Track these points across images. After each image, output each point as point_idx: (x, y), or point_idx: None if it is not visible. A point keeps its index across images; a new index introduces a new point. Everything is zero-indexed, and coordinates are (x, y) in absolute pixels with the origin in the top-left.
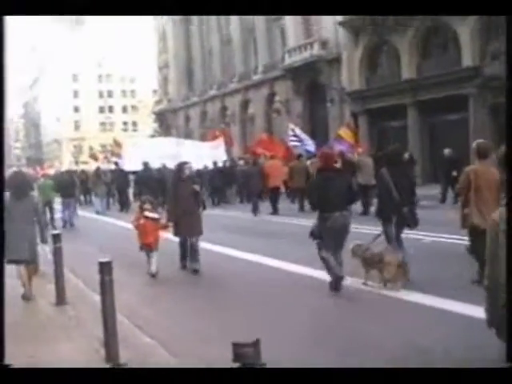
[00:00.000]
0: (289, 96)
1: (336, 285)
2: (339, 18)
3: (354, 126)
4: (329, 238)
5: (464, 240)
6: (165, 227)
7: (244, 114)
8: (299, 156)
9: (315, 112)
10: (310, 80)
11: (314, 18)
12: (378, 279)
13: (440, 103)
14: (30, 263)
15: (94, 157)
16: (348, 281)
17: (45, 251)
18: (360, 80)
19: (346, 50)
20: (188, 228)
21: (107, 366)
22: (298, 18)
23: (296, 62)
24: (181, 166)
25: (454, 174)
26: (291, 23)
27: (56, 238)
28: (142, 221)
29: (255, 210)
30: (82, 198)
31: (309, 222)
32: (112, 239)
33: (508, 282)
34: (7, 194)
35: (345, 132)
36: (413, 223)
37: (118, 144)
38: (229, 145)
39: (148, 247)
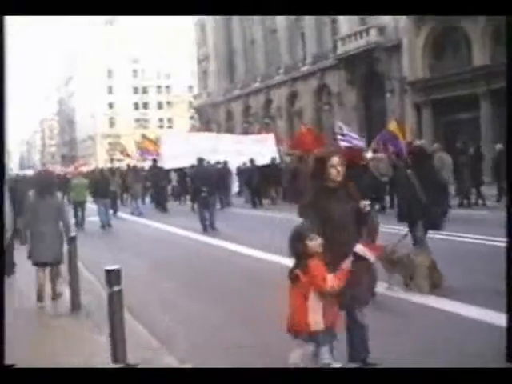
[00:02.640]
0: (341, 87)
1: None
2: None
3: (397, 120)
4: None
5: None
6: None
7: (291, 108)
8: (350, 148)
9: (371, 104)
10: (365, 69)
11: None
12: (403, 282)
13: None
14: (54, 265)
15: (125, 153)
16: None
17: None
18: (423, 68)
19: (407, 36)
20: None
21: (107, 366)
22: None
23: (350, 50)
24: None
25: None
26: None
27: (71, 240)
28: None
29: None
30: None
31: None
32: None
33: (508, 283)
34: (31, 193)
35: (394, 127)
36: (439, 225)
37: (150, 141)
38: (280, 143)
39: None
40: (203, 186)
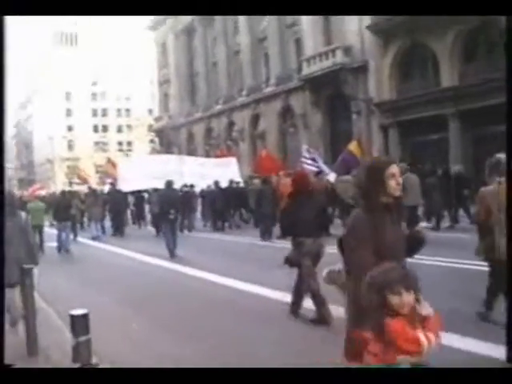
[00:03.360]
0: (306, 109)
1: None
2: (365, 21)
3: (363, 141)
4: (309, 264)
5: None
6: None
7: (254, 130)
8: (318, 173)
9: (337, 126)
10: (331, 91)
11: (334, 23)
12: None
13: (485, 113)
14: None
15: (81, 178)
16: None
17: (34, 275)
18: (390, 89)
19: (374, 57)
20: None
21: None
22: (317, 23)
23: (316, 71)
24: None
25: (466, 193)
26: (309, 30)
27: (25, 272)
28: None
29: (264, 234)
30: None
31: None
32: (121, 275)
33: (508, 283)
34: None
35: (355, 147)
36: (419, 246)
37: (112, 164)
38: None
39: None
40: (170, 209)
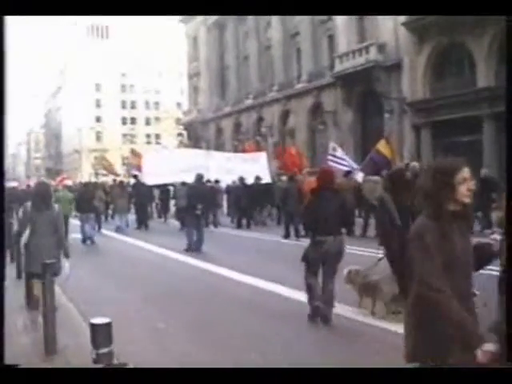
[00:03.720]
0: (337, 106)
1: (314, 316)
2: (401, 18)
3: (392, 141)
4: (318, 264)
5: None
6: None
7: (283, 126)
8: (348, 173)
9: (368, 124)
10: (363, 88)
11: (368, 20)
12: (370, 309)
13: None
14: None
15: (107, 168)
16: (338, 309)
17: (65, 267)
18: (424, 89)
19: (408, 55)
20: None
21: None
22: (351, 20)
23: (348, 68)
24: None
25: (493, 196)
26: (342, 26)
27: (47, 267)
28: None
29: (287, 233)
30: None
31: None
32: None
33: (508, 281)
34: (29, 205)
35: (383, 146)
36: None
37: (136, 155)
38: (278, 158)
39: None
40: (198, 204)
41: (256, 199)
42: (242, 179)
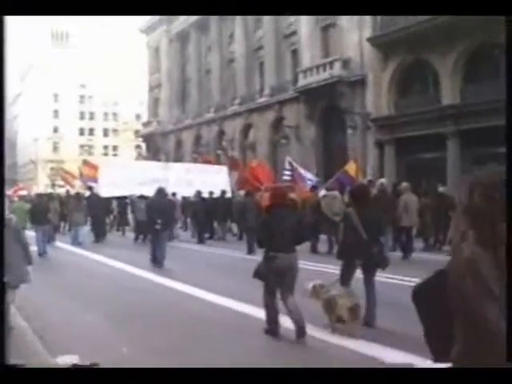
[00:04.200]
0: (300, 121)
1: (269, 332)
2: (366, 34)
3: (359, 162)
4: (271, 280)
5: None
6: None
7: (244, 140)
8: (313, 188)
9: (331, 140)
10: (326, 104)
11: (333, 35)
12: (329, 323)
13: (486, 133)
14: (15, 287)
15: (65, 180)
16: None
17: (28, 273)
18: (388, 105)
19: (373, 71)
20: None
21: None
22: (315, 35)
23: (312, 82)
24: None
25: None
26: (306, 41)
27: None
28: None
29: (251, 249)
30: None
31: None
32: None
33: (508, 280)
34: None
35: (351, 167)
36: (383, 264)
37: (91, 166)
38: (235, 168)
39: None
40: (158, 219)
41: (216, 213)
42: (199, 193)
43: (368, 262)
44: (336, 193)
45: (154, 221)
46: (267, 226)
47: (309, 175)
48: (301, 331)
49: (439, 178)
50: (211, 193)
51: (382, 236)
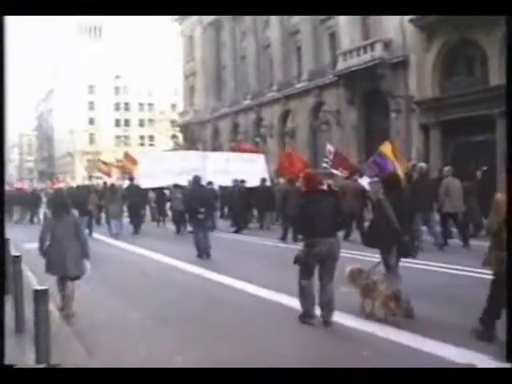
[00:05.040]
0: (340, 106)
1: (304, 317)
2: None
3: (397, 143)
4: (312, 266)
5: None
6: None
7: (283, 127)
8: (354, 172)
9: (373, 124)
10: (368, 87)
11: (373, 17)
12: (367, 309)
13: None
14: (76, 279)
15: (103, 171)
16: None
17: (87, 267)
18: (433, 87)
19: (416, 52)
20: None
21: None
22: (353, 17)
23: (352, 65)
24: None
25: None
26: (345, 24)
27: (16, 260)
28: None
29: (285, 236)
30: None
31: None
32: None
33: (508, 281)
34: (48, 212)
35: (387, 148)
36: (413, 252)
37: (130, 159)
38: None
39: None
40: (200, 208)
41: (253, 202)
42: (235, 181)
43: (399, 250)
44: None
45: (197, 210)
46: (303, 212)
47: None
48: (328, 320)
49: (488, 161)
50: (264, 180)
51: (411, 224)
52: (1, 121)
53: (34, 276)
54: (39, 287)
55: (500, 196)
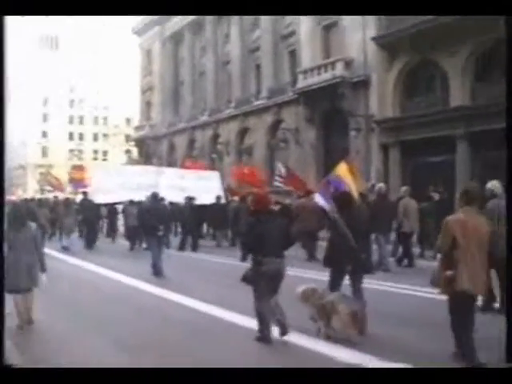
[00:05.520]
0: (299, 124)
1: (261, 340)
2: (370, 33)
3: (354, 163)
4: (263, 285)
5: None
6: None
7: (240, 144)
8: (309, 192)
9: (332, 143)
10: (328, 106)
11: (334, 35)
12: (323, 330)
13: (498, 136)
14: (28, 292)
15: (53, 184)
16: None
17: (42, 280)
18: (394, 106)
19: (378, 71)
20: None
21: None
22: (315, 35)
23: (313, 84)
24: None
25: None
26: (306, 41)
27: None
28: None
29: (245, 256)
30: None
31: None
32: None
33: (508, 281)
34: (5, 225)
35: (341, 168)
36: (370, 270)
37: (79, 168)
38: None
39: None
40: (158, 224)
41: (205, 220)
42: (189, 198)
43: (357, 267)
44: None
45: (155, 227)
46: (252, 231)
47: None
48: (284, 328)
49: (448, 182)
50: (218, 197)
51: (367, 242)
52: (1, 122)
53: None
54: None
55: (451, 218)
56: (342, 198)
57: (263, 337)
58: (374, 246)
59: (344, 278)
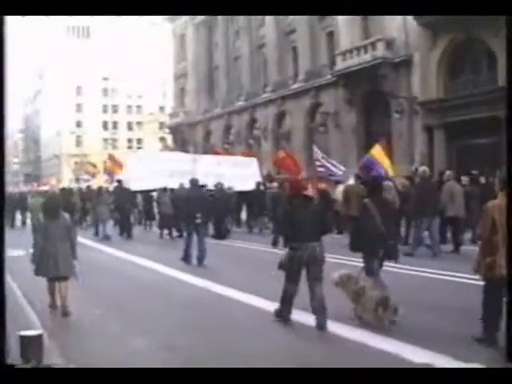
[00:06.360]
0: (339, 107)
1: (279, 318)
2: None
3: (388, 147)
4: (295, 271)
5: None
6: None
7: (278, 129)
8: (337, 182)
9: (373, 126)
10: (368, 87)
11: (373, 16)
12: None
13: None
14: (66, 279)
15: (90, 173)
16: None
17: (76, 268)
18: (437, 87)
19: (420, 51)
20: None
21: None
22: (353, 16)
23: (352, 65)
24: None
25: None
26: (344, 22)
27: None
28: None
29: (275, 241)
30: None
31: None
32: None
33: (509, 281)
34: (40, 217)
35: (377, 151)
36: (396, 256)
37: (114, 161)
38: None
39: None
40: (197, 212)
41: (253, 206)
42: (217, 185)
43: (383, 253)
44: (389, 183)
45: (193, 214)
46: (288, 217)
47: (333, 169)
48: (321, 325)
49: (494, 164)
50: (259, 184)
51: (396, 228)
52: (1, 123)
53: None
54: None
55: (490, 204)
56: (369, 182)
57: (279, 312)
58: (426, 232)
59: (377, 263)
